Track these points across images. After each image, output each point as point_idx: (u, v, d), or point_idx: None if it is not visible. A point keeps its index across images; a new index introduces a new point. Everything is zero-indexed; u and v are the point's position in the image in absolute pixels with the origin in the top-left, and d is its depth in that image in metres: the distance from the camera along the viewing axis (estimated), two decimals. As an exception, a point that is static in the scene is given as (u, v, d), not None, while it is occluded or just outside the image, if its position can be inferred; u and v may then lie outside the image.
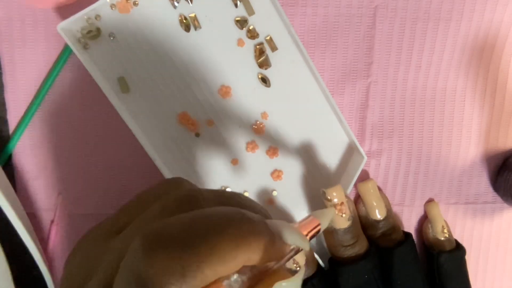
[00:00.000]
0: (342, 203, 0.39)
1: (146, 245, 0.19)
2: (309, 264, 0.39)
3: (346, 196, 0.40)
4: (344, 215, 0.39)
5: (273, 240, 0.21)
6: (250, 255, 0.20)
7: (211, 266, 0.19)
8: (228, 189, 0.41)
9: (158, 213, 0.21)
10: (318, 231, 0.25)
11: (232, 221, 0.20)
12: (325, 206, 0.40)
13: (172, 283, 0.18)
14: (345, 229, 0.39)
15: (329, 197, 0.38)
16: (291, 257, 0.23)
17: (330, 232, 0.39)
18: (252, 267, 0.21)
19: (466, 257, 0.42)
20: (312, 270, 0.40)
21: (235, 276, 0.20)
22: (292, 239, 0.22)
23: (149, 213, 0.21)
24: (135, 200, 0.23)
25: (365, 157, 0.40)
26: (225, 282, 0.20)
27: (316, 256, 0.41)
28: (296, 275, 0.21)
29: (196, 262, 0.18)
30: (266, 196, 0.42)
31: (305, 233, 0.24)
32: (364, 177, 0.43)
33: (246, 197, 0.24)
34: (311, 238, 0.25)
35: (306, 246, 0.23)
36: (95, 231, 0.23)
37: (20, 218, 0.36)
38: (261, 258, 0.20)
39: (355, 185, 0.42)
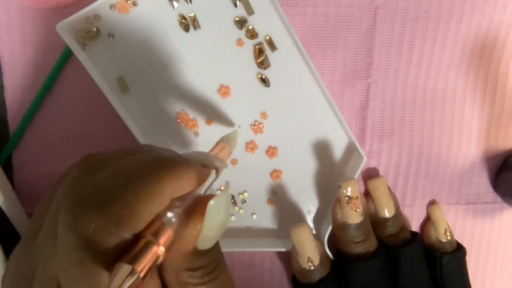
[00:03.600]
0: (357, 197, 0.38)
1: (74, 212, 0.19)
2: (323, 264, 0.39)
3: (359, 191, 0.40)
4: (358, 210, 0.39)
5: (191, 166, 0.23)
6: (174, 184, 0.21)
7: (143, 205, 0.19)
8: (227, 189, 0.41)
9: (68, 188, 0.21)
10: (230, 151, 0.30)
11: (146, 162, 0.21)
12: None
13: (113, 233, 0.19)
14: (357, 224, 0.39)
15: (344, 191, 0.38)
16: (214, 179, 0.25)
17: (342, 227, 0.39)
18: (183, 200, 0.22)
19: (467, 257, 0.42)
20: (326, 270, 0.40)
21: (170, 213, 0.21)
22: (208, 160, 0.25)
23: (59, 194, 0.22)
24: (42, 199, 0.24)
25: (365, 158, 0.40)
26: (164, 219, 0.21)
27: (329, 253, 0.41)
28: (221, 192, 0.23)
29: (127, 207, 0.19)
30: (266, 196, 0.41)
31: (222, 157, 0.28)
32: (375, 174, 0.43)
33: (155, 146, 0.25)
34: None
35: (222, 164, 0.26)
36: (20, 243, 0.23)
37: (20, 218, 0.36)
38: (185, 186, 0.22)
39: (365, 183, 0.42)
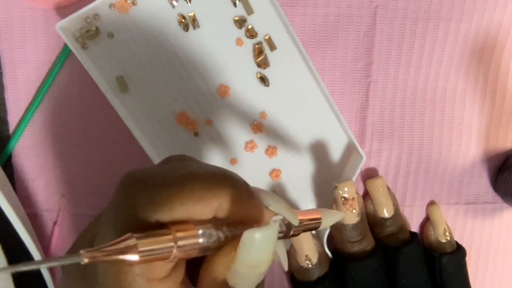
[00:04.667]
0: (353, 199, 0.39)
1: (123, 184, 0.19)
2: (322, 263, 0.39)
3: (356, 192, 0.40)
4: (354, 211, 0.39)
5: (250, 195, 0.21)
6: (222, 200, 0.20)
7: (181, 200, 0.19)
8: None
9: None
10: (317, 224, 0.25)
11: (209, 167, 0.21)
12: (326, 204, 0.40)
13: (140, 207, 0.18)
14: (353, 224, 0.39)
15: (340, 192, 0.38)
16: (281, 233, 0.22)
17: (338, 227, 0.39)
18: (229, 225, 0.20)
19: (466, 257, 0.42)
20: (324, 269, 0.40)
21: (213, 231, 0.20)
22: (275, 206, 0.22)
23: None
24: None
25: (364, 157, 0.40)
26: (200, 231, 0.19)
27: (328, 252, 0.41)
28: (267, 226, 0.20)
29: (166, 194, 0.19)
30: (266, 196, 0.41)
31: (300, 217, 0.23)
32: (374, 174, 0.43)
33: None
34: (306, 228, 0.24)
35: (293, 220, 0.22)
36: (73, 248, 0.23)
37: (20, 218, 0.36)
38: (234, 209, 0.20)
39: (364, 182, 0.42)
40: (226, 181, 0.20)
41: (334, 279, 0.39)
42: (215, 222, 0.20)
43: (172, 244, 0.18)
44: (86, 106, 0.39)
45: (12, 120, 0.39)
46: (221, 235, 0.20)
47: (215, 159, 0.40)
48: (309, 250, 0.39)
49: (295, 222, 0.22)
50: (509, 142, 0.44)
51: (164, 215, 0.19)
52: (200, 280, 0.21)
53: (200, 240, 0.19)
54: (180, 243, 0.18)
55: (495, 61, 0.42)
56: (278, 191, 0.41)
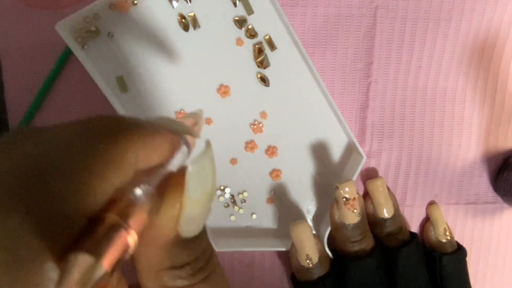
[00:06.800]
0: (354, 199, 0.39)
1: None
2: (322, 263, 0.39)
3: (357, 192, 0.40)
4: (355, 211, 0.39)
5: (158, 130, 0.18)
6: (137, 151, 0.16)
7: (98, 174, 0.15)
8: (227, 189, 0.41)
9: None
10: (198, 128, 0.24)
11: (97, 125, 0.17)
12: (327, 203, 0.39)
13: (56, 220, 0.14)
14: (354, 224, 0.39)
15: (341, 192, 0.38)
16: (187, 156, 0.20)
17: (339, 227, 0.39)
18: (151, 175, 0.17)
19: (467, 257, 0.42)
20: (325, 269, 0.39)
21: (138, 189, 0.16)
22: (178, 127, 0.20)
23: None
24: None
25: (364, 157, 0.40)
26: (131, 197, 0.16)
27: (329, 252, 0.41)
28: (202, 153, 0.18)
29: (72, 182, 0.14)
30: (265, 195, 0.41)
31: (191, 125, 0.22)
32: (374, 175, 0.43)
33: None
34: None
35: (195, 132, 0.21)
36: None
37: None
38: (152, 154, 0.17)
39: (364, 182, 0.42)
40: (130, 129, 0.17)
41: (334, 279, 0.39)
42: (134, 180, 0.16)
43: (127, 236, 0.14)
44: (86, 106, 0.39)
45: (12, 120, 0.39)
46: (150, 188, 0.17)
47: (215, 159, 0.40)
48: (310, 250, 0.39)
49: (199, 136, 0.21)
50: (509, 142, 0.44)
51: (89, 207, 0.14)
52: (145, 253, 0.18)
53: (145, 209, 0.16)
54: (133, 226, 0.15)
55: (495, 61, 0.42)
56: (278, 191, 0.42)
